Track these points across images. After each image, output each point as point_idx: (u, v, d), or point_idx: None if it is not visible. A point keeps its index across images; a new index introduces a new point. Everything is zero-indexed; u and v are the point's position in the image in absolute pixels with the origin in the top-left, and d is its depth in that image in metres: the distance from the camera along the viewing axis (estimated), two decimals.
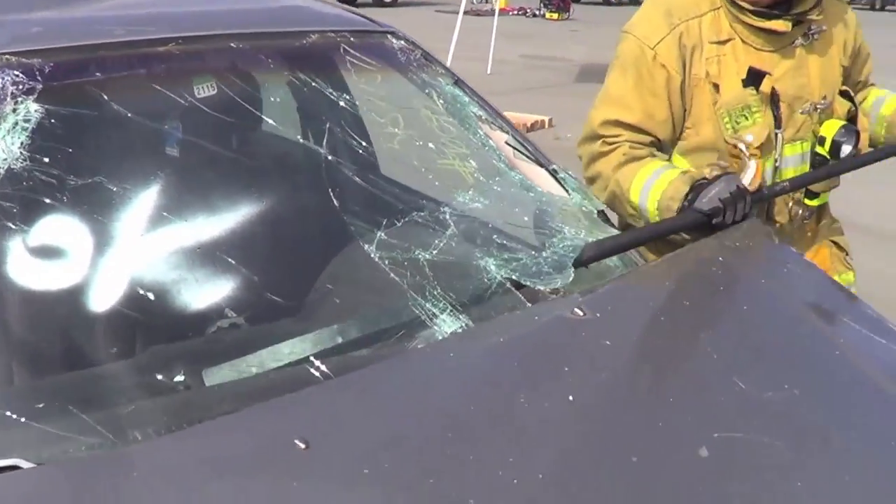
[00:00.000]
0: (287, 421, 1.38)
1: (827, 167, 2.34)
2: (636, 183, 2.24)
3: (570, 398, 1.46)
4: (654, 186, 2.20)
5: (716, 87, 2.28)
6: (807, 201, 2.45)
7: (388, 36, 2.55)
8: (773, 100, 2.29)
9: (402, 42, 2.55)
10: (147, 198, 1.92)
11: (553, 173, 2.42)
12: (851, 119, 2.43)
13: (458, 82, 2.52)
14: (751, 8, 2.28)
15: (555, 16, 23.04)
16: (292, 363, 1.61)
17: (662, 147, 2.35)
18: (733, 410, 1.50)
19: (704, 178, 2.10)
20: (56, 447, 1.40)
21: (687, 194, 2.10)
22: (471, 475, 1.30)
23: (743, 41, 2.30)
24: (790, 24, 2.28)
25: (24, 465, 1.30)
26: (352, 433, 1.36)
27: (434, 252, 1.87)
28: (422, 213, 2.05)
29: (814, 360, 1.69)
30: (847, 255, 2.61)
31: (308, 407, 1.43)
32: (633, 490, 1.31)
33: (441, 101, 2.42)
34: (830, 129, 2.36)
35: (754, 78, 2.26)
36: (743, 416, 1.49)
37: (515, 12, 18.14)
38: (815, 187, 2.42)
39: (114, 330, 1.80)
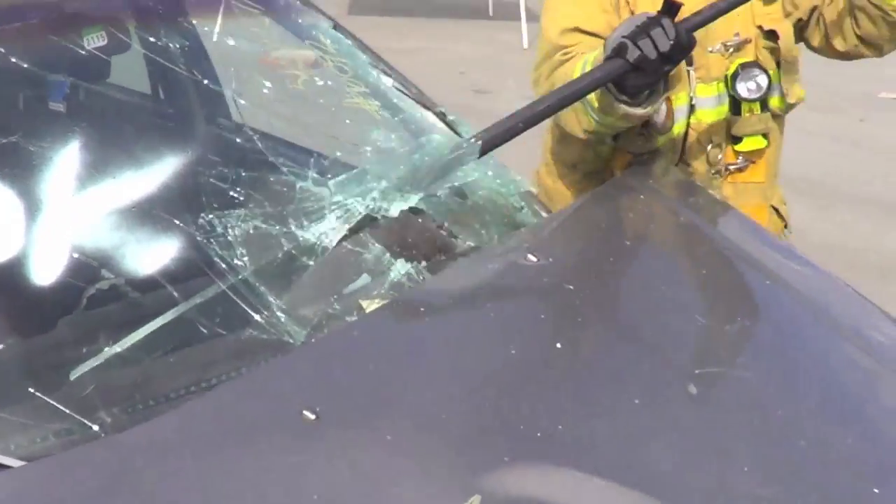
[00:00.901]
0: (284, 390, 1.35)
1: None
2: (578, 66, 2.04)
3: (558, 346, 1.48)
4: (589, 59, 2.00)
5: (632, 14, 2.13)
6: (733, 146, 2.30)
7: None
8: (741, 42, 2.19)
9: None
10: None
11: (441, 116, 2.43)
12: (778, 62, 2.28)
13: (337, 26, 2.49)
14: None
15: None
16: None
17: None
18: (703, 346, 1.57)
19: None
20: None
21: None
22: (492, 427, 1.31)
23: None
24: None
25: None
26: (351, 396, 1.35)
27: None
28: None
29: (751, 291, 1.79)
30: (786, 227, 2.47)
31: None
32: (645, 433, 1.36)
33: (329, 41, 2.38)
34: (733, 66, 2.22)
35: (668, 9, 2.05)
36: (712, 351, 1.56)
37: None
38: (735, 129, 2.28)
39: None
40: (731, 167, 2.30)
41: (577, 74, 1.99)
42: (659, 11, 2.04)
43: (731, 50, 2.24)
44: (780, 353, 1.61)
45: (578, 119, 2.10)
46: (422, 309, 1.55)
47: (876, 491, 1.33)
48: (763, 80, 2.23)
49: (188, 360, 1.55)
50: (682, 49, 1.82)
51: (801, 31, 2.34)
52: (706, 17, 1.98)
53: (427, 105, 2.45)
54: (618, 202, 1.98)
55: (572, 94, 1.85)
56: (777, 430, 1.42)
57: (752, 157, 2.33)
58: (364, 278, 1.82)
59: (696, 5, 2.03)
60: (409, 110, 2.32)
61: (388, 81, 2.43)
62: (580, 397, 1.39)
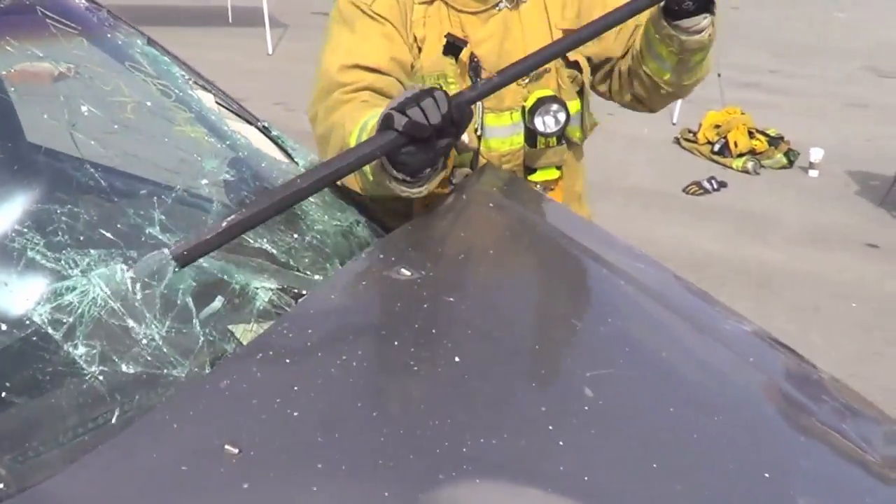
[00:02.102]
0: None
1: (543, 48, 1.94)
2: (357, 127, 1.88)
3: (457, 359, 1.49)
4: (368, 126, 1.83)
5: (420, 51, 2.13)
6: (528, 177, 2.28)
7: None
8: (473, 67, 2.12)
9: (84, 1, 2.37)
10: None
11: (264, 130, 2.39)
12: (579, 91, 2.29)
13: (151, 41, 2.39)
14: None
15: None
16: None
17: None
18: (586, 349, 1.62)
19: None
20: None
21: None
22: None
23: (447, 3, 2.14)
24: None
25: None
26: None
27: None
28: None
29: (611, 292, 1.85)
30: None
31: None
32: (556, 438, 1.38)
33: (145, 61, 2.28)
34: (531, 99, 2.18)
35: (452, 47, 2.11)
36: (595, 352, 1.61)
37: None
38: (531, 162, 2.25)
39: None
40: None
41: (353, 139, 1.85)
42: (443, 48, 2.08)
43: (528, 80, 2.19)
44: (653, 351, 1.67)
45: (356, 178, 1.94)
46: (309, 331, 1.51)
47: (766, 475, 1.41)
48: (562, 116, 2.19)
49: (70, 399, 1.45)
50: (455, 123, 1.65)
51: (592, 73, 2.36)
52: (486, 90, 1.85)
53: (249, 120, 2.40)
54: (473, 210, 2.00)
55: (332, 175, 1.65)
56: (672, 425, 1.48)
57: (545, 186, 2.31)
58: (218, 300, 1.77)
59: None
60: (232, 135, 2.25)
61: (208, 98, 2.35)
62: (492, 410, 1.40)
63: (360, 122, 1.87)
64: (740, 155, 8.00)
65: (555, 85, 2.24)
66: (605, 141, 8.31)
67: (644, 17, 2.12)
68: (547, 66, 2.12)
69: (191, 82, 2.34)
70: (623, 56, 2.32)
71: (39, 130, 2.18)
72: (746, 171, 7.87)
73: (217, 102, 2.36)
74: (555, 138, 2.22)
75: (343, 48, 2.09)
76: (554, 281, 1.86)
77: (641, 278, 1.93)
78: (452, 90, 1.99)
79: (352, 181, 1.97)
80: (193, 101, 2.27)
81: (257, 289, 1.71)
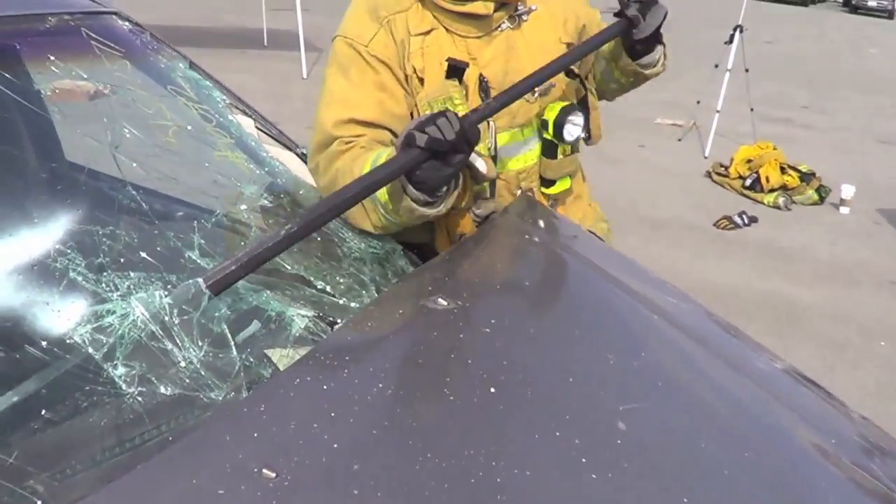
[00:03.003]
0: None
1: (542, 67, 2.09)
2: (367, 165, 1.96)
3: (492, 390, 1.50)
4: (380, 159, 1.92)
5: (422, 81, 2.15)
6: (544, 190, 2.34)
7: (114, 17, 2.39)
8: (482, 87, 2.15)
9: (128, 23, 2.41)
10: None
11: (303, 157, 2.42)
12: (582, 100, 2.36)
13: (193, 65, 2.42)
14: None
15: None
16: None
17: None
18: (619, 382, 1.62)
19: None
20: None
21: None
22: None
23: (447, 30, 2.18)
24: (492, 7, 2.17)
25: None
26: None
27: None
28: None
29: (645, 326, 1.86)
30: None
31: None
32: (591, 472, 1.39)
33: (187, 85, 2.31)
34: (552, 111, 2.25)
35: (454, 70, 2.13)
36: (628, 386, 1.61)
37: None
38: (548, 174, 2.32)
39: None
40: None
41: (367, 168, 1.91)
42: (446, 72, 2.13)
43: (537, 94, 2.27)
44: (685, 386, 1.68)
45: (368, 215, 2.04)
46: (346, 358, 1.52)
47: None
48: (580, 121, 2.29)
49: (108, 419, 1.47)
50: (468, 140, 1.77)
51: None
52: (493, 108, 1.97)
53: (288, 146, 2.43)
54: (508, 241, 2.01)
55: (358, 194, 1.72)
56: (704, 460, 1.49)
57: (559, 198, 2.39)
58: (254, 325, 1.79)
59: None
60: (271, 161, 2.28)
61: (248, 123, 2.39)
62: (526, 442, 1.41)
63: (371, 157, 1.97)
64: (772, 190, 7.98)
65: (562, 96, 2.33)
66: (637, 172, 8.33)
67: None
68: (553, 80, 2.23)
69: (231, 107, 2.37)
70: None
71: (81, 150, 2.22)
72: (777, 207, 7.84)
73: (257, 127, 2.39)
74: (570, 147, 2.32)
75: (338, 101, 2.15)
76: (588, 314, 1.87)
77: (674, 313, 1.94)
78: (460, 112, 2.02)
79: (362, 218, 2.06)
80: (233, 126, 2.30)
81: (294, 316, 1.72)
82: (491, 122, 2.15)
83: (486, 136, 2.17)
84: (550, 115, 2.26)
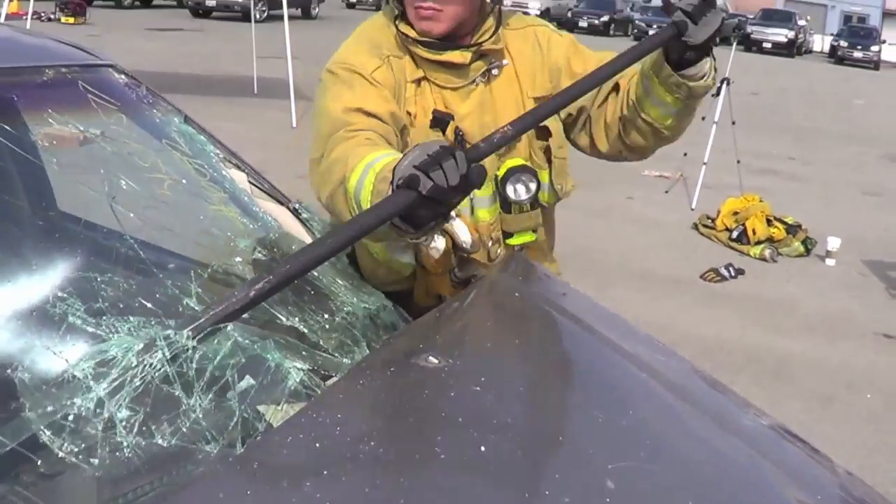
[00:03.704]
0: None
1: (552, 98, 2.07)
2: (361, 164, 1.88)
3: (482, 449, 1.51)
4: (375, 166, 1.83)
5: (412, 126, 2.21)
6: (507, 241, 2.34)
7: (110, 70, 2.42)
8: (459, 140, 2.17)
9: (124, 76, 2.44)
10: None
11: (295, 213, 2.44)
12: (551, 159, 2.35)
13: (188, 119, 2.45)
14: (422, 40, 2.22)
15: (71, 20, 22.22)
16: None
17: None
18: (609, 440, 1.64)
19: None
20: None
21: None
22: None
23: (430, 80, 2.24)
24: (468, 56, 2.23)
25: None
26: None
27: None
28: None
29: (634, 384, 1.88)
30: None
31: None
32: None
33: (182, 139, 2.34)
34: (502, 170, 2.26)
35: (439, 121, 2.19)
36: (617, 445, 1.63)
37: (27, 16, 17.44)
38: (506, 227, 2.31)
39: None
40: None
41: (355, 175, 1.86)
42: (430, 122, 2.15)
43: (503, 151, 2.22)
44: (673, 444, 1.70)
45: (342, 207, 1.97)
46: (339, 415, 1.54)
47: None
48: (532, 185, 2.26)
49: (103, 469, 1.48)
50: (470, 182, 1.64)
51: (568, 129, 2.43)
52: (494, 146, 1.89)
53: (280, 200, 2.45)
54: (498, 299, 2.03)
55: (354, 236, 1.67)
56: None
57: (524, 247, 2.37)
58: (249, 378, 1.80)
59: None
60: (263, 216, 2.30)
61: (241, 177, 2.41)
62: (517, 499, 1.42)
63: (366, 159, 1.87)
64: (758, 242, 8.04)
65: (526, 154, 2.31)
66: (625, 224, 8.39)
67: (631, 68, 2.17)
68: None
69: (224, 161, 2.39)
70: (601, 105, 2.36)
71: (77, 201, 2.24)
72: (764, 259, 7.89)
73: (249, 181, 2.41)
74: (528, 205, 2.30)
75: (346, 97, 2.13)
76: (577, 372, 1.89)
77: (661, 370, 1.96)
78: None
79: (344, 213, 1.95)
80: (227, 180, 2.32)
81: (290, 368, 1.74)
82: None
83: None
84: (500, 173, 2.27)
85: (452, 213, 1.79)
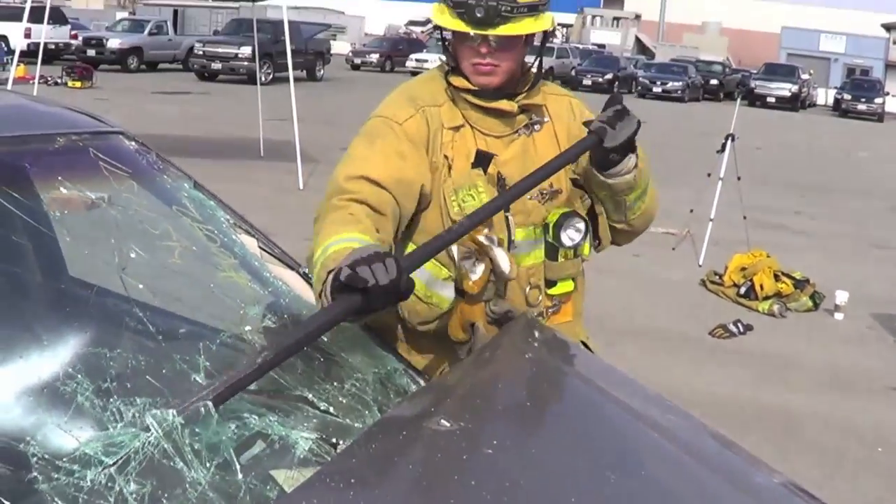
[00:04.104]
0: None
1: (516, 184, 2.26)
2: (331, 238, 2.04)
3: None
4: (336, 246, 1.99)
5: (450, 169, 2.38)
6: (548, 290, 2.47)
7: (121, 137, 2.45)
8: (500, 183, 2.37)
9: (134, 143, 2.47)
10: None
11: (305, 277, 2.45)
12: (590, 208, 2.51)
13: (197, 184, 2.48)
14: (473, 89, 2.41)
15: (78, 84, 22.42)
16: None
17: (399, 222, 2.30)
18: (619, 500, 1.65)
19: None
20: None
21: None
22: None
23: (472, 126, 2.42)
24: (516, 107, 2.43)
25: None
26: None
27: None
28: None
29: (646, 445, 1.88)
30: None
31: None
32: None
33: (192, 206, 2.36)
34: (554, 216, 2.44)
35: (482, 159, 2.38)
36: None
37: (34, 81, 17.65)
38: (550, 274, 2.46)
39: None
40: (550, 310, 2.49)
41: (318, 252, 2.02)
42: (473, 161, 2.35)
43: (547, 197, 2.46)
44: (684, 503, 1.70)
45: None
46: (352, 480, 1.54)
47: None
48: (582, 227, 2.45)
49: None
50: (400, 292, 1.76)
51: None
52: (429, 252, 2.01)
53: (290, 265, 2.46)
54: (508, 361, 2.04)
55: (308, 336, 1.77)
56: None
57: (563, 299, 2.52)
58: (259, 446, 1.80)
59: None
60: (274, 281, 2.31)
61: (251, 242, 2.43)
62: None
63: (328, 241, 2.04)
64: (766, 298, 8.03)
65: (570, 204, 2.50)
66: (632, 282, 8.38)
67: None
68: (559, 187, 2.48)
69: (235, 227, 2.41)
70: None
71: (88, 269, 2.26)
72: (772, 315, 7.88)
73: (260, 247, 2.43)
74: (573, 251, 2.46)
75: (356, 160, 2.32)
76: (588, 432, 1.89)
77: (672, 429, 1.96)
78: (483, 199, 2.29)
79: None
80: (237, 245, 2.34)
81: (298, 438, 1.74)
82: (509, 217, 2.39)
83: (503, 230, 2.36)
84: (552, 219, 2.44)
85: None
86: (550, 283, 2.49)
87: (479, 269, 2.17)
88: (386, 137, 2.34)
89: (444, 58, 2.52)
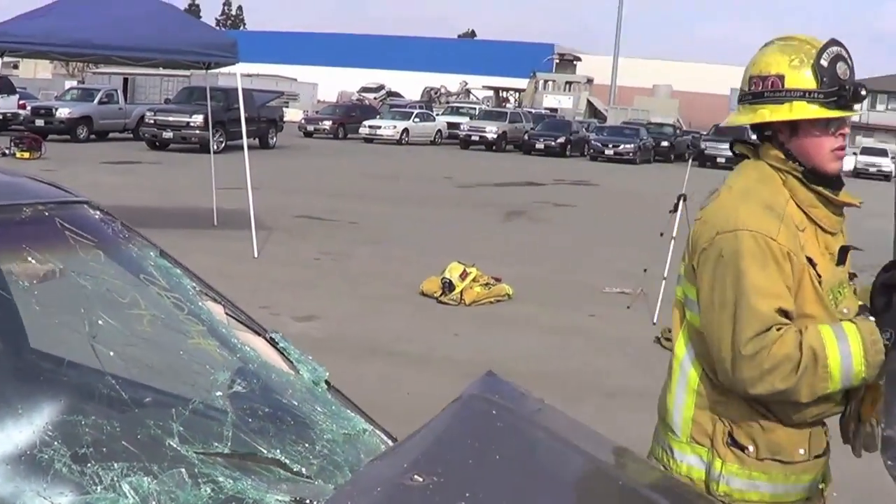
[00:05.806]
0: None
1: None
2: (830, 345, 2.25)
3: None
4: (848, 337, 2.26)
5: (814, 267, 2.38)
6: None
7: (86, 206, 2.47)
8: (850, 274, 2.50)
9: (99, 212, 2.48)
10: None
11: (272, 342, 2.47)
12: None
13: (163, 253, 2.50)
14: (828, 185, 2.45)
15: (26, 154, 22.25)
16: None
17: None
18: None
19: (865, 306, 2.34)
20: None
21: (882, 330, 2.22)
22: None
23: (820, 226, 2.45)
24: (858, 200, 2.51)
25: None
26: None
27: None
28: None
29: (608, 491, 1.92)
30: None
31: None
32: None
33: (159, 274, 2.38)
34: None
35: (843, 255, 2.45)
36: None
37: None
38: None
39: None
40: None
41: (831, 339, 2.26)
42: (837, 258, 2.44)
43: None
44: None
45: (813, 389, 2.28)
46: None
47: None
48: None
49: None
50: None
51: None
52: None
53: (258, 331, 2.48)
54: (478, 417, 2.07)
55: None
56: None
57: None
58: None
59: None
60: (242, 347, 2.33)
61: (217, 309, 2.44)
62: None
63: (830, 335, 2.27)
64: None
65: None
66: (588, 341, 8.45)
67: None
68: None
69: (201, 294, 2.43)
70: None
71: (56, 340, 2.25)
72: None
73: (227, 313, 2.45)
74: None
75: (769, 293, 2.33)
76: (555, 482, 1.92)
77: (637, 478, 2.00)
78: (847, 294, 2.45)
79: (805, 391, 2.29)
80: (204, 312, 2.36)
81: (271, 501, 1.75)
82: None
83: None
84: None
85: None
86: None
87: None
88: (776, 260, 2.33)
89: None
